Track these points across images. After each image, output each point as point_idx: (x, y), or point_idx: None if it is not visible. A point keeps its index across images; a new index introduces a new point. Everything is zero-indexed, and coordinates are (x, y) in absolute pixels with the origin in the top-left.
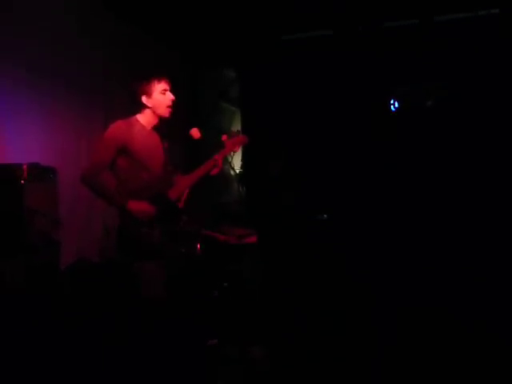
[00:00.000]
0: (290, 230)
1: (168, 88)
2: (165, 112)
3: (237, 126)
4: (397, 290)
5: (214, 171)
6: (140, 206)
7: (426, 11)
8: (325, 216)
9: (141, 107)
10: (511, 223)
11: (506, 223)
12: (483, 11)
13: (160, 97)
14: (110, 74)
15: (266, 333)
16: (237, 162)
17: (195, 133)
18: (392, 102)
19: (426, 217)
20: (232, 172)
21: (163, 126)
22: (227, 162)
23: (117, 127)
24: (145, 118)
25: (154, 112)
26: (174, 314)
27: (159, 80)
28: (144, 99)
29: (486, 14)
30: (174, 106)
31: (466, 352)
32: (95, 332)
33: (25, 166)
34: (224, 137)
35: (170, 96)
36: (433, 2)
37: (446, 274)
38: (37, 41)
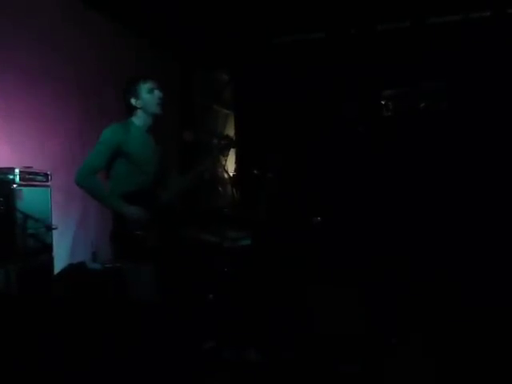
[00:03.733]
0: (284, 233)
1: (155, 86)
2: (155, 109)
3: (230, 129)
4: (394, 292)
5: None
6: (133, 210)
7: (417, 14)
8: (318, 219)
9: (132, 110)
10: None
11: (504, 224)
12: (475, 13)
13: (148, 96)
14: (104, 76)
15: (261, 335)
16: (230, 165)
17: (188, 135)
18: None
19: (421, 219)
20: (226, 175)
21: (157, 127)
22: (221, 165)
23: (112, 130)
24: (139, 120)
25: (145, 112)
26: (168, 317)
27: (144, 80)
28: (133, 101)
29: (478, 17)
30: (165, 104)
31: (466, 352)
32: (89, 337)
33: (17, 170)
34: None
35: (157, 93)
36: (425, 5)
37: (443, 272)
38: (29, 43)
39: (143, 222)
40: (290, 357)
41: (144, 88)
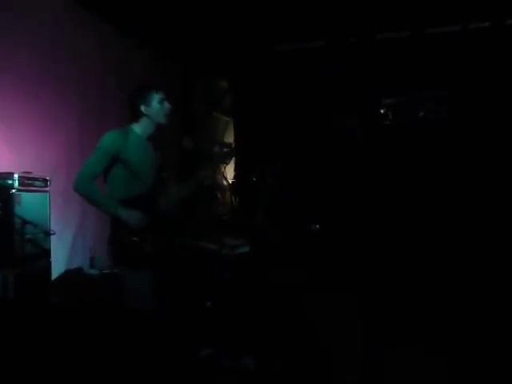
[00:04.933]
0: (283, 240)
1: (165, 97)
2: (163, 119)
3: (229, 136)
4: (390, 300)
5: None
6: (131, 214)
7: (417, 24)
8: (317, 226)
9: (138, 116)
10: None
11: (503, 233)
12: (474, 24)
13: (158, 106)
14: (105, 80)
15: (257, 342)
16: (229, 172)
17: (188, 142)
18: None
19: (420, 227)
20: (225, 182)
21: (157, 134)
22: (220, 172)
23: (112, 136)
24: (141, 127)
25: (151, 120)
26: (165, 325)
27: (157, 90)
28: (142, 108)
29: (477, 27)
30: (170, 114)
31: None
32: (86, 343)
33: (16, 175)
34: None
35: (167, 105)
36: (424, 15)
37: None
38: (29, 45)
39: (141, 225)
40: (286, 365)
41: (156, 97)
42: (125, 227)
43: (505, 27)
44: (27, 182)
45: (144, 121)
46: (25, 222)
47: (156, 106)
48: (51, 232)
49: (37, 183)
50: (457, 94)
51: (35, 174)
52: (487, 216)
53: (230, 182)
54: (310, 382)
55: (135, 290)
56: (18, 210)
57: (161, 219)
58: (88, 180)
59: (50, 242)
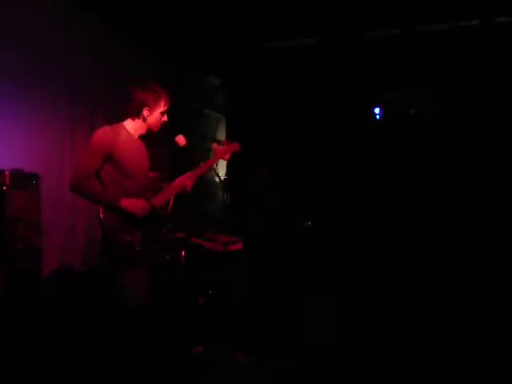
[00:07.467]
0: (274, 237)
1: (167, 111)
2: (156, 129)
3: (221, 133)
4: (379, 299)
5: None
6: (135, 203)
7: (408, 21)
8: (309, 223)
9: (134, 114)
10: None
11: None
12: (464, 22)
13: (159, 116)
14: (95, 79)
15: (251, 339)
16: (222, 169)
17: (180, 140)
18: (375, 110)
19: (411, 225)
20: (217, 179)
21: (149, 136)
22: (212, 169)
23: (103, 134)
24: (133, 126)
25: (146, 124)
26: (158, 321)
27: (166, 102)
28: (145, 111)
29: (467, 25)
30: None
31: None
32: (77, 340)
33: (7, 172)
34: (215, 145)
35: (165, 118)
36: (415, 13)
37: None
38: (20, 45)
39: (146, 213)
40: (280, 361)
41: (161, 109)
42: (116, 225)
43: (494, 25)
44: (18, 179)
45: (138, 121)
46: (16, 219)
47: (157, 115)
48: (42, 229)
49: (28, 180)
50: (448, 91)
51: (26, 172)
52: (480, 213)
53: (222, 178)
54: (302, 377)
55: (127, 287)
56: (9, 207)
57: (153, 217)
58: (84, 179)
59: (41, 239)
